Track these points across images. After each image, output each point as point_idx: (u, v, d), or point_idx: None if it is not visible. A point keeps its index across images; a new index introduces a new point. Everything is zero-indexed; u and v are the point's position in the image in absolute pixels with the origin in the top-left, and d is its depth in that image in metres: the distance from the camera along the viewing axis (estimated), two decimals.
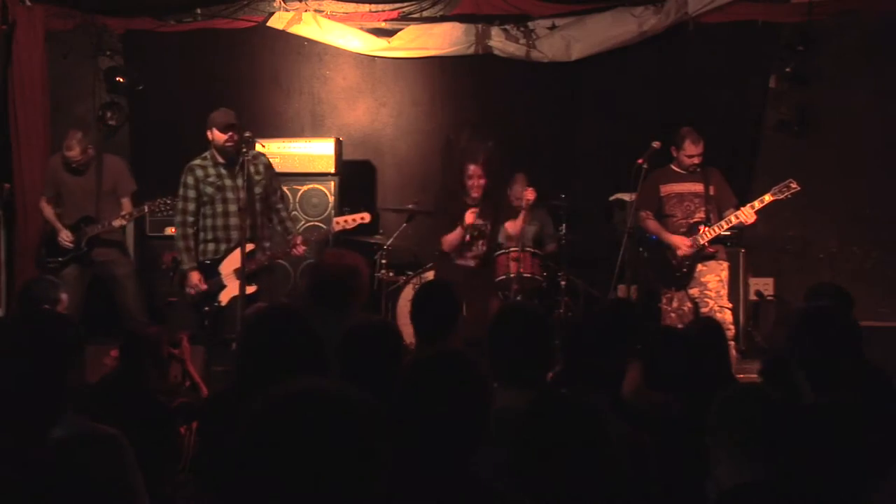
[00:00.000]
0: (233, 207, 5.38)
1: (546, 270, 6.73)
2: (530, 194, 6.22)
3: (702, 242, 5.96)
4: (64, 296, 4.76)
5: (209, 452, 2.80)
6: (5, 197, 7.30)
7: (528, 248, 6.59)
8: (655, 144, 6.08)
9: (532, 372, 2.84)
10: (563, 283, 6.78)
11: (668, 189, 6.17)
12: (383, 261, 6.89)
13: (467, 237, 6.14)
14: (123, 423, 2.40)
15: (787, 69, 7.28)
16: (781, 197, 5.79)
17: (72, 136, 6.33)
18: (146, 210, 6.16)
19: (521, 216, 6.31)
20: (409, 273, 7.00)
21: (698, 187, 6.11)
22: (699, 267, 6.02)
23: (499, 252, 6.60)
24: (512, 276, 6.44)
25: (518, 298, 6.58)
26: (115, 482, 2.26)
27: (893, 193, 7.21)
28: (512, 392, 2.69)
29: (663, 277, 6.15)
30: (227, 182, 5.41)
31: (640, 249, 6.63)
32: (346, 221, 5.41)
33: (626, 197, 6.87)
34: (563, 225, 7.01)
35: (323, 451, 1.40)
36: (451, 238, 6.14)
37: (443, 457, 1.99)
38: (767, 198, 5.83)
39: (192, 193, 5.48)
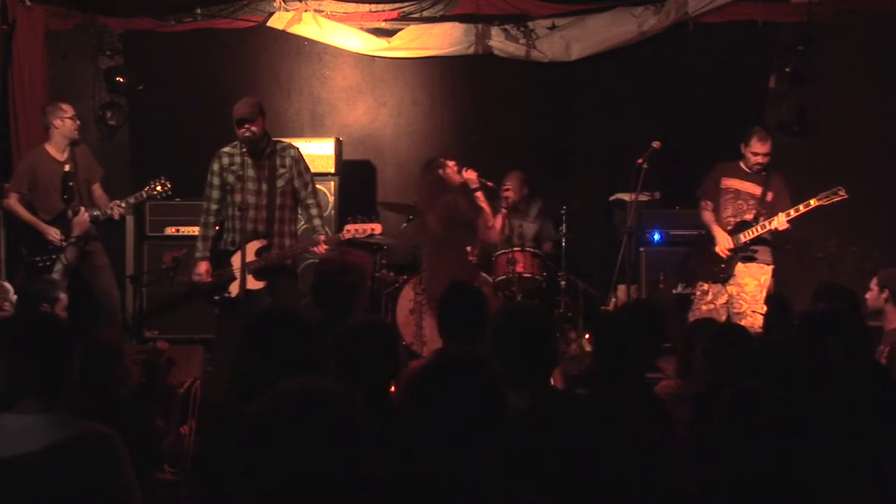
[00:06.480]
0: (250, 199, 5.29)
1: (546, 270, 6.73)
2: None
3: (743, 241, 5.94)
4: (63, 295, 4.75)
5: (209, 452, 2.80)
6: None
7: (528, 248, 6.60)
8: (655, 144, 6.07)
9: (533, 373, 2.84)
10: (563, 283, 6.78)
11: (728, 183, 6.11)
12: (383, 261, 6.89)
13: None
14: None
15: (787, 69, 7.27)
16: (826, 203, 5.78)
17: (67, 108, 6.21)
18: (144, 195, 6.06)
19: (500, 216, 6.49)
20: (410, 273, 7.00)
21: (757, 190, 6.03)
22: (740, 266, 6.00)
23: (499, 252, 6.61)
24: (511, 275, 6.45)
25: (519, 298, 6.60)
26: (111, 480, 2.28)
27: (893, 193, 7.20)
28: (511, 392, 2.69)
29: (703, 270, 6.12)
30: (250, 173, 5.30)
31: (640, 250, 6.63)
32: (356, 230, 5.33)
33: (626, 197, 6.86)
34: (563, 225, 7.01)
35: (320, 449, 1.41)
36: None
37: (458, 458, 1.98)
38: (813, 202, 5.80)
39: (216, 181, 5.42)
